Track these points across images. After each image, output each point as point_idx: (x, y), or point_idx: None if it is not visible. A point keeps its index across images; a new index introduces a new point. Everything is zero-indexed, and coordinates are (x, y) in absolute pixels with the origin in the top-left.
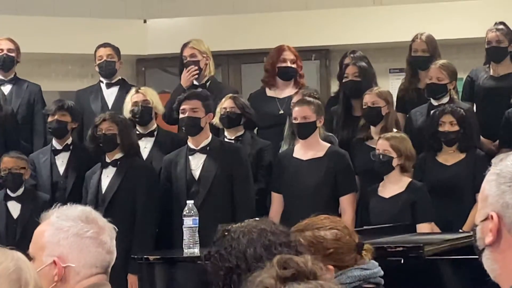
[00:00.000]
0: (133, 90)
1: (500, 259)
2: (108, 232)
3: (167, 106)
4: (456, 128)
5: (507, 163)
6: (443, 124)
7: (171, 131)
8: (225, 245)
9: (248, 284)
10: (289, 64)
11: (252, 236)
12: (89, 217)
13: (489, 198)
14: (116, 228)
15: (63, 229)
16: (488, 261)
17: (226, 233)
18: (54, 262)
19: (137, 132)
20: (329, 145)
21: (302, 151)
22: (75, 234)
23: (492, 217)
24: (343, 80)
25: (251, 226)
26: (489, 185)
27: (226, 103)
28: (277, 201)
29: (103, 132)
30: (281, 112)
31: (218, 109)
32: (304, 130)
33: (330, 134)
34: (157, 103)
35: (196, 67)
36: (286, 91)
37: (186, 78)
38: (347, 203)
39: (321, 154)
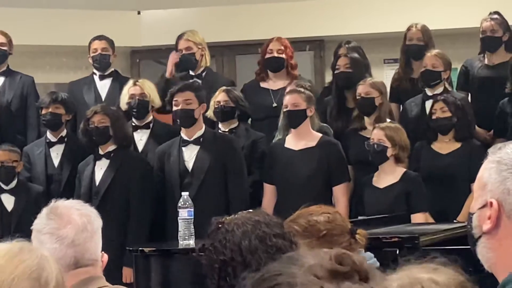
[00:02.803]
0: (130, 82)
1: (497, 247)
2: (75, 225)
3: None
4: (448, 114)
5: (508, 151)
6: (435, 111)
7: (167, 123)
8: (219, 237)
9: (286, 259)
10: (275, 55)
11: (247, 228)
12: (52, 212)
13: (488, 185)
14: (106, 220)
15: (34, 227)
16: (484, 249)
17: (220, 226)
18: None
19: (133, 124)
20: (320, 135)
21: (294, 141)
22: (37, 231)
23: (491, 204)
24: (335, 72)
25: (245, 218)
26: (488, 173)
27: (219, 96)
28: (269, 192)
29: (95, 125)
30: (275, 105)
31: (211, 102)
32: (294, 118)
33: (325, 124)
34: (154, 96)
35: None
36: (280, 83)
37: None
38: (340, 192)
39: (313, 144)
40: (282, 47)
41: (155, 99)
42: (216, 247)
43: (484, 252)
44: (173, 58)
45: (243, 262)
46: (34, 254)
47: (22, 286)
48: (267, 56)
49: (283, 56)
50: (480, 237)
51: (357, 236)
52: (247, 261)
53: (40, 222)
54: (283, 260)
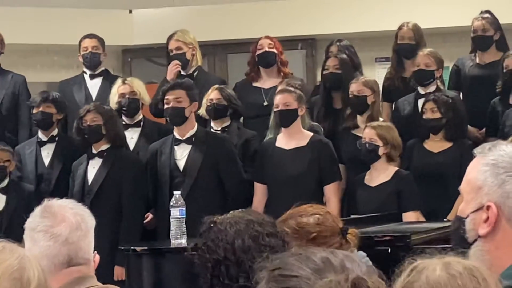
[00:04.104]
0: (119, 81)
1: (493, 250)
2: (69, 223)
3: (153, 100)
4: (438, 115)
5: (501, 153)
6: (426, 111)
7: (157, 121)
8: (212, 237)
9: (304, 258)
10: (266, 49)
11: (240, 227)
12: (46, 210)
13: (484, 189)
14: (98, 219)
15: (27, 225)
16: (478, 252)
17: (212, 225)
18: None
19: (123, 123)
20: (311, 134)
21: (285, 140)
22: (31, 229)
23: (488, 207)
24: (324, 72)
25: (238, 217)
26: (483, 176)
27: (212, 95)
28: (260, 191)
29: (88, 123)
30: (266, 103)
31: (204, 100)
32: (286, 118)
33: (316, 123)
34: (144, 94)
35: (177, 62)
36: (271, 81)
37: (170, 71)
38: (331, 192)
39: (304, 143)
40: (272, 42)
41: (145, 97)
42: (209, 246)
43: (478, 255)
44: (173, 67)
45: (237, 261)
46: (15, 254)
47: (3, 287)
48: (258, 52)
49: (274, 50)
50: (475, 240)
51: (348, 236)
52: (240, 260)
53: (34, 221)
54: (301, 258)
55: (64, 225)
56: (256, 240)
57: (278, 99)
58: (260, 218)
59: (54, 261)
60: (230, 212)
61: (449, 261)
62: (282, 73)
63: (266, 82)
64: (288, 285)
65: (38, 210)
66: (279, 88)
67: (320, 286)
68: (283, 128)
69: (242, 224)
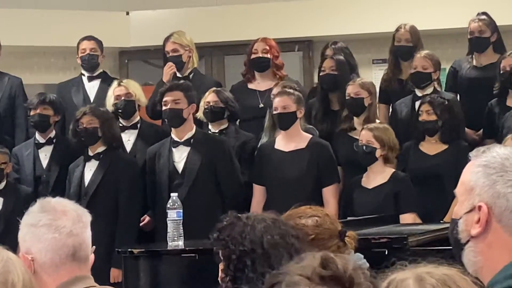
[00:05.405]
0: (115, 83)
1: (485, 251)
2: (71, 216)
3: (150, 102)
4: (433, 117)
5: (493, 154)
6: (421, 113)
7: (154, 122)
8: (238, 230)
9: (299, 258)
10: (259, 55)
11: (268, 224)
12: (45, 206)
13: (476, 189)
14: (94, 221)
15: (26, 223)
16: (471, 253)
17: (236, 220)
18: None
19: (120, 125)
20: (310, 136)
21: (284, 142)
22: (31, 225)
23: (480, 207)
24: (320, 74)
25: (262, 216)
26: (475, 176)
27: (209, 97)
28: (259, 193)
29: (84, 126)
30: (261, 106)
31: (201, 103)
32: (285, 120)
33: (311, 126)
34: (140, 95)
35: (173, 64)
36: (267, 83)
37: (166, 73)
38: (329, 194)
39: (303, 145)
40: (267, 47)
41: (141, 98)
42: (235, 237)
43: (470, 256)
44: (168, 69)
45: (264, 255)
46: None
47: None
48: (252, 56)
49: (268, 56)
50: (468, 241)
51: (346, 239)
52: (268, 254)
53: (33, 217)
54: (298, 259)
55: (66, 217)
56: (284, 238)
57: (276, 101)
58: (282, 219)
59: (60, 253)
60: (250, 213)
61: (421, 274)
62: (277, 76)
63: (261, 84)
64: (276, 280)
65: (35, 207)
66: (277, 90)
67: (293, 267)
68: (281, 131)
69: (269, 221)
